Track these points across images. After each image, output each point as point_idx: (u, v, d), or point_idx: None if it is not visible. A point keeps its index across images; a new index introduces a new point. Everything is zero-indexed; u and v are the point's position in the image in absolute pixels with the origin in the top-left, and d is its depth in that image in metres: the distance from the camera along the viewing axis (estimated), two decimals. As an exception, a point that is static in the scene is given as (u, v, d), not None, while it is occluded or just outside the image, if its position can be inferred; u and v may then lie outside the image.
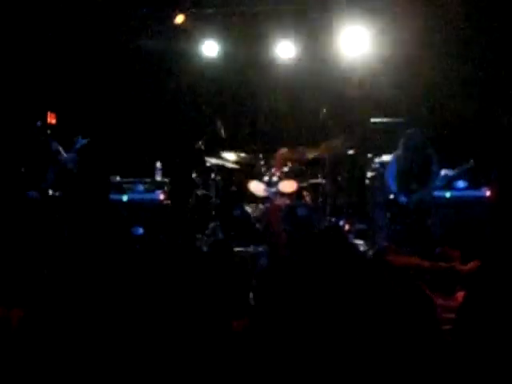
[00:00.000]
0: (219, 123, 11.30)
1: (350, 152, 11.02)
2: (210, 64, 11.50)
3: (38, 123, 9.99)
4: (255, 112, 12.13)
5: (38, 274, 5.69)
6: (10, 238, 8.83)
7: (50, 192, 9.76)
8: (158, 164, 11.22)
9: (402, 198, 9.45)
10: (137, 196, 10.93)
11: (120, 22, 11.35)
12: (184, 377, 3.66)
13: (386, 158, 10.41)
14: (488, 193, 10.20)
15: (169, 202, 11.10)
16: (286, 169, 10.89)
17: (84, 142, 9.67)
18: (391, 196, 9.64)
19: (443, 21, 10.28)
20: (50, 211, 9.57)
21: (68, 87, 11.63)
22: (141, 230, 10.23)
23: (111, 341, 3.76)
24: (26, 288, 4.31)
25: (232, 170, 11.21)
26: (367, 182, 10.91)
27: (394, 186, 9.61)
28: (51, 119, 10.86)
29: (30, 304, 4.09)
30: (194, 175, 11.30)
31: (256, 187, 10.80)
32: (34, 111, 10.71)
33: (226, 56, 11.53)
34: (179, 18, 11.16)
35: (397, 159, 9.70)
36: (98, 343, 3.80)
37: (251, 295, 4.16)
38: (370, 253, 6.44)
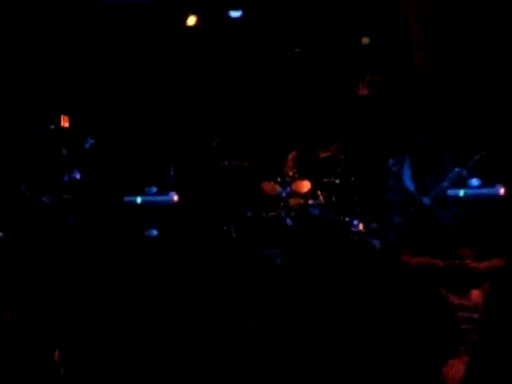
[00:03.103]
0: (232, 124, 11.31)
1: (364, 151, 11.00)
2: (223, 65, 11.51)
3: (52, 127, 10.03)
4: (269, 112, 12.12)
5: (46, 276, 5.71)
6: (20, 241, 8.84)
7: (64, 196, 9.79)
8: (172, 171, 11.21)
9: (426, 200, 9.43)
10: (151, 198, 10.94)
11: (133, 26, 11.38)
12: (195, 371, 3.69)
13: (400, 157, 10.38)
14: (502, 190, 10.16)
15: (183, 203, 11.10)
16: (299, 169, 10.88)
17: (92, 142, 9.71)
18: (408, 195, 9.62)
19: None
20: (62, 215, 9.60)
21: (82, 91, 11.65)
22: (155, 232, 10.23)
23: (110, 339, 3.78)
24: (24, 290, 4.33)
25: (245, 170, 11.20)
26: (381, 181, 10.88)
27: (411, 187, 9.59)
28: (64, 122, 10.88)
29: (25, 306, 4.11)
30: (207, 176, 11.31)
31: (269, 187, 10.81)
32: (47, 114, 10.74)
33: (238, 57, 11.53)
34: (191, 20, 11.18)
35: (411, 159, 9.69)
36: (94, 341, 3.81)
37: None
38: (385, 252, 6.43)
